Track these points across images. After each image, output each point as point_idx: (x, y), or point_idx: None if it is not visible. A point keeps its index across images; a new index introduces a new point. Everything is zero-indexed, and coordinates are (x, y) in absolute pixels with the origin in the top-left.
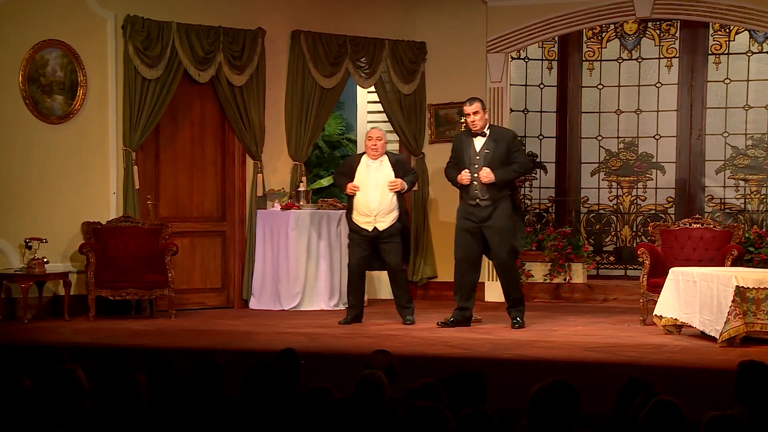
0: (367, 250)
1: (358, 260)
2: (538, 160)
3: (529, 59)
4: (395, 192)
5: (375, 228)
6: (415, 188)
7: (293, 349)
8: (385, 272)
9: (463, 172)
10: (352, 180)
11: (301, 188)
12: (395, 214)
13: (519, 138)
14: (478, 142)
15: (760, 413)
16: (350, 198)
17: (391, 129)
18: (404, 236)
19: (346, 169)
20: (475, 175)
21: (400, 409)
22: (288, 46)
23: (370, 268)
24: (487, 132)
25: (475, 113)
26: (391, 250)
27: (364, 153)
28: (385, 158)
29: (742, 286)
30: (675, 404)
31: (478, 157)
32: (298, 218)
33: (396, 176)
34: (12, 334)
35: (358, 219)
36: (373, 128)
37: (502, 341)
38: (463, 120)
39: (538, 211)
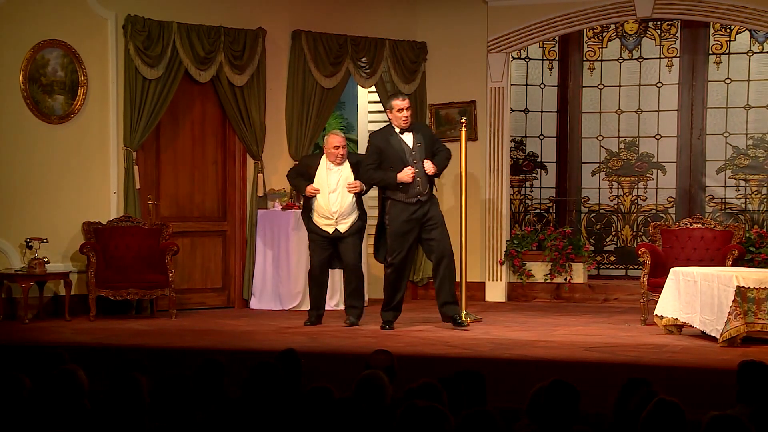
0: (329, 250)
1: (321, 261)
2: (538, 160)
3: (529, 59)
4: (354, 194)
5: (336, 230)
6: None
7: (294, 349)
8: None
9: (405, 170)
10: (310, 181)
11: None
12: (356, 215)
13: None
14: (408, 138)
15: (760, 413)
16: (308, 199)
17: None
18: (361, 235)
19: (303, 169)
20: (417, 170)
21: (400, 409)
22: (289, 46)
23: (332, 266)
24: (411, 127)
25: (407, 108)
26: (350, 248)
27: (323, 155)
28: (346, 161)
29: (743, 286)
30: (675, 404)
31: (414, 152)
32: (298, 218)
33: (355, 178)
34: (12, 334)
35: (319, 221)
36: (335, 134)
37: (502, 341)
38: (464, 120)
39: (538, 211)
